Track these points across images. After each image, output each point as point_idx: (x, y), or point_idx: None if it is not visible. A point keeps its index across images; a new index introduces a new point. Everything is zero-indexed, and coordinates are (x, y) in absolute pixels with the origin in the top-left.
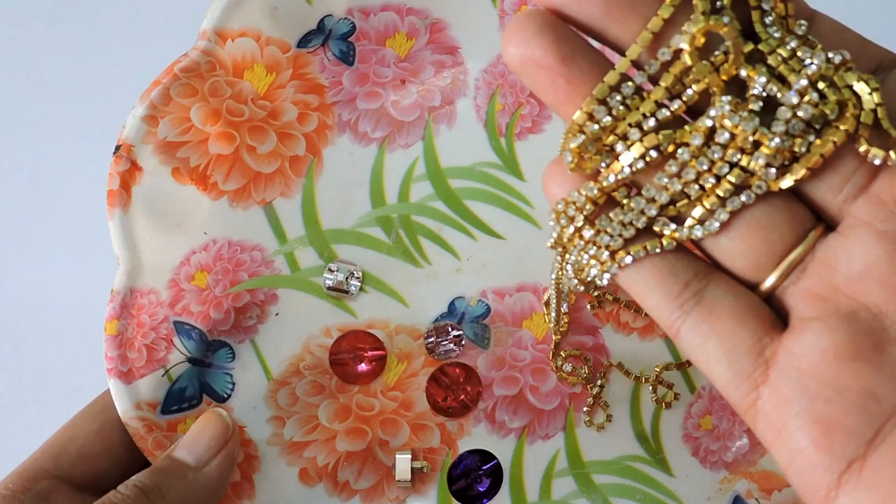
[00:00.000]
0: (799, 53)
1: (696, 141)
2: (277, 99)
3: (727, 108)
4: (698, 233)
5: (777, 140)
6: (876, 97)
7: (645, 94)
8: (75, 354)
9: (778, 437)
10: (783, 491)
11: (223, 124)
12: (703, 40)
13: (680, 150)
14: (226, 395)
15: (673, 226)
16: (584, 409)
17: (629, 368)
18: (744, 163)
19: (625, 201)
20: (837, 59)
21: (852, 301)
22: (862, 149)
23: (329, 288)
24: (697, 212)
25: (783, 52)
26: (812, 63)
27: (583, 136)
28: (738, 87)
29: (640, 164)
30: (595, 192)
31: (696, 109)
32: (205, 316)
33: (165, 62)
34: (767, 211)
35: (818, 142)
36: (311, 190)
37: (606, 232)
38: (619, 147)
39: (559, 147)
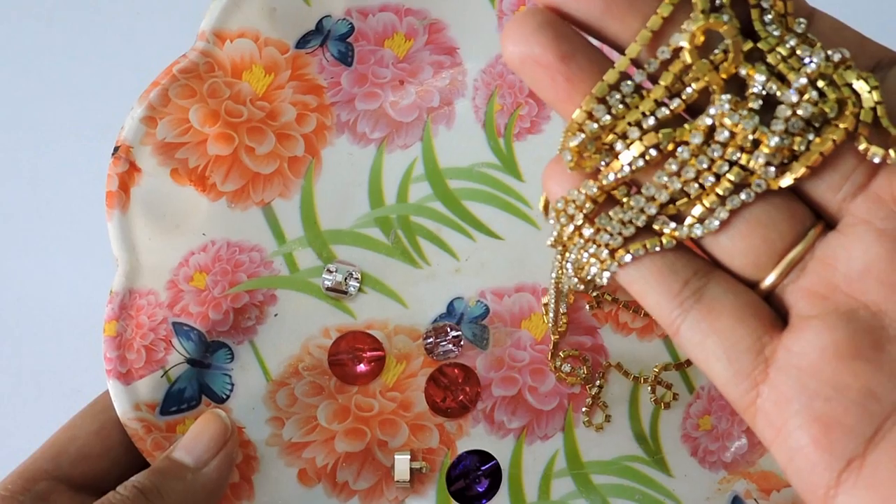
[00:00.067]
0: (798, 52)
1: (696, 139)
2: (276, 100)
3: (727, 106)
4: (698, 231)
5: (777, 138)
6: (875, 95)
7: (644, 93)
8: (75, 354)
9: (777, 435)
10: (782, 491)
11: (222, 125)
12: (702, 38)
13: (680, 149)
14: (225, 396)
15: (672, 224)
16: (583, 409)
17: (628, 369)
18: (743, 161)
19: (624, 200)
20: (837, 57)
21: (852, 299)
22: (861, 147)
23: (328, 289)
24: (697, 210)
25: (782, 51)
26: (811, 61)
27: (582, 135)
28: (737, 86)
29: (640, 163)
30: (595, 190)
31: (696, 108)
32: (204, 317)
33: (164, 63)
34: (767, 209)
35: (818, 140)
36: (310, 191)
37: (606, 230)
38: (619, 146)
39: (559, 146)
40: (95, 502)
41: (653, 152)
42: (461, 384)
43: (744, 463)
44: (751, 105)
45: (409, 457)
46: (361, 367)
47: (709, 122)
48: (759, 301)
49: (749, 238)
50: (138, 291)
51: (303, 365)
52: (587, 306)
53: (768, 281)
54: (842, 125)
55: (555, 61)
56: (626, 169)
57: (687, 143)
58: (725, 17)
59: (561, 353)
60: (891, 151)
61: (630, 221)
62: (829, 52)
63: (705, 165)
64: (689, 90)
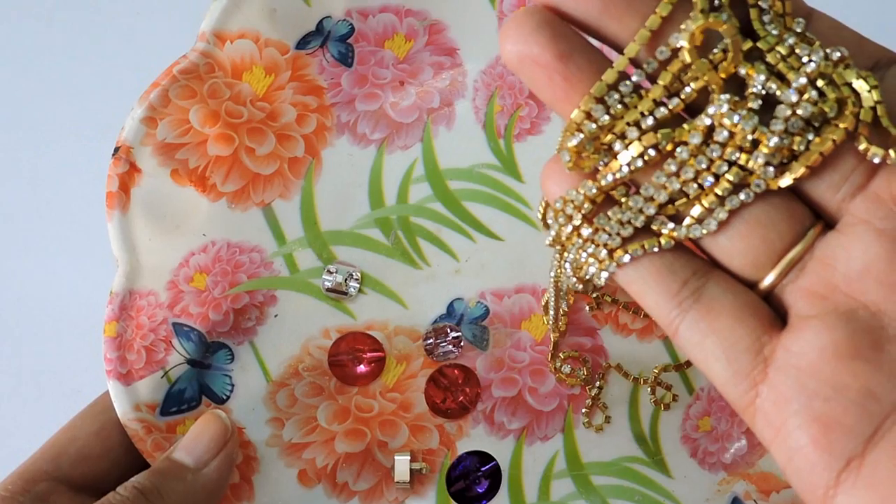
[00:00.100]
0: (797, 51)
1: (695, 139)
2: (276, 100)
3: (726, 106)
4: (697, 232)
5: (776, 138)
6: (875, 95)
7: (643, 93)
8: (75, 355)
9: (777, 435)
10: (781, 492)
11: (222, 126)
12: (701, 38)
13: (678, 149)
14: (225, 397)
15: (671, 224)
16: (583, 410)
17: (628, 370)
18: (742, 161)
19: (623, 200)
20: (836, 56)
21: (851, 299)
22: (861, 147)
23: (328, 289)
24: (696, 211)
25: (782, 50)
26: (811, 61)
27: (581, 135)
28: (736, 86)
29: (639, 163)
30: (593, 190)
31: (695, 107)
32: (204, 317)
33: (164, 63)
34: (766, 209)
35: (817, 140)
36: (310, 191)
37: (605, 230)
38: (618, 146)
39: (557, 146)
40: (95, 503)
41: (651, 152)
42: (461, 385)
43: (743, 464)
44: (750, 105)
45: (409, 457)
46: (361, 368)
47: (708, 121)
48: (758, 301)
49: (748, 238)
50: (138, 292)
51: (303, 366)
52: (587, 308)
53: (767, 281)
54: (841, 125)
55: (553, 61)
56: (625, 169)
57: (686, 143)
58: (724, 17)
59: (561, 354)
60: (891, 151)
61: (628, 222)
62: (828, 51)
63: (704, 165)
64: (687, 89)
